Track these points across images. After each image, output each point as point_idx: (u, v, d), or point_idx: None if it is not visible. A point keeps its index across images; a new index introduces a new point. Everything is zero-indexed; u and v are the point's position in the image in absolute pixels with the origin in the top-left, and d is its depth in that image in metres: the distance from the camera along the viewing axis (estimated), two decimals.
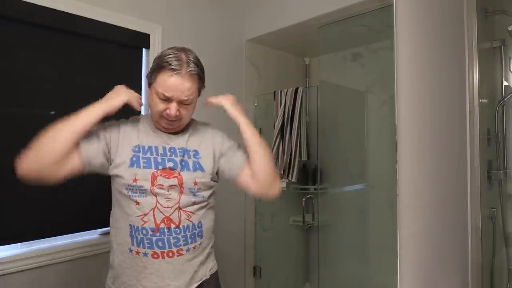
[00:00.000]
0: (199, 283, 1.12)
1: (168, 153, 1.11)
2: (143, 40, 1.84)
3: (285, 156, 2.25)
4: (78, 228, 1.61)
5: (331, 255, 2.18)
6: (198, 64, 1.09)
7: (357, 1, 1.76)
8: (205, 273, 1.15)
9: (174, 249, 1.05)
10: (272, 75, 2.55)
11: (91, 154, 1.05)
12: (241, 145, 1.21)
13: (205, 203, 1.14)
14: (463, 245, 1.63)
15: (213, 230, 1.20)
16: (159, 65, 1.05)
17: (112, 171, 1.07)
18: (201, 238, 1.12)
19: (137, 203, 1.05)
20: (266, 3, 2.25)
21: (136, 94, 1.13)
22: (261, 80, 2.47)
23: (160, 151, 1.10)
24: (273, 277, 2.45)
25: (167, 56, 1.05)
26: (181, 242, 1.06)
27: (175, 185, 1.07)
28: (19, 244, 1.46)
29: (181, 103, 1.07)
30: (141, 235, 1.04)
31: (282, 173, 2.28)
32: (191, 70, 1.05)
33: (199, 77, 1.10)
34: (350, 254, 2.13)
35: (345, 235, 2.17)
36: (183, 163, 1.10)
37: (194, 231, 1.09)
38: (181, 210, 1.07)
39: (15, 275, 1.41)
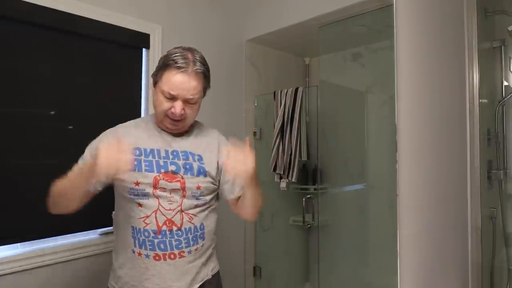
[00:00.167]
0: (201, 283, 1.12)
1: (171, 156, 1.10)
2: (143, 40, 1.84)
3: (285, 156, 2.25)
4: (78, 228, 1.61)
5: (331, 255, 2.18)
6: (204, 63, 1.09)
7: (357, 1, 1.76)
8: (207, 273, 1.15)
9: (176, 251, 1.05)
10: (272, 75, 2.55)
11: (100, 180, 1.07)
12: None
13: (207, 205, 1.14)
14: (463, 245, 1.63)
15: (215, 232, 1.20)
16: (165, 64, 1.06)
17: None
18: (203, 240, 1.12)
19: (140, 205, 1.05)
20: (266, 3, 2.25)
21: (124, 158, 0.90)
22: (261, 80, 2.47)
23: (163, 154, 1.10)
24: (273, 277, 2.45)
25: (173, 55, 1.05)
26: (183, 244, 1.06)
27: (177, 189, 1.07)
28: (19, 244, 1.46)
29: (186, 102, 1.06)
30: (143, 237, 1.04)
31: (282, 173, 2.28)
32: (197, 69, 1.05)
33: (205, 76, 1.10)
34: (350, 254, 2.13)
35: (345, 235, 2.17)
36: (187, 167, 1.09)
37: (196, 233, 1.09)
38: (183, 213, 1.07)
39: (15, 275, 1.41)
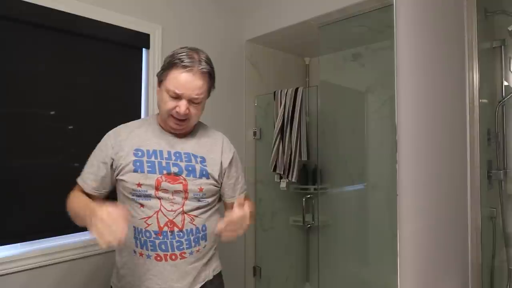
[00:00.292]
0: (202, 283, 1.12)
1: (173, 158, 1.10)
2: (143, 40, 1.84)
3: (285, 156, 2.25)
4: (78, 228, 1.60)
5: (331, 255, 2.18)
6: (209, 63, 1.10)
7: (357, 1, 1.76)
8: (208, 273, 1.15)
9: (177, 252, 1.06)
10: (272, 75, 2.55)
11: (107, 187, 1.13)
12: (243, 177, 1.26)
13: (209, 207, 1.14)
14: (463, 245, 1.63)
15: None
16: (171, 63, 1.06)
17: (118, 176, 1.09)
18: (205, 241, 1.11)
19: (142, 205, 1.05)
20: (266, 3, 2.25)
21: (120, 232, 0.85)
22: (261, 80, 2.47)
23: (165, 155, 1.09)
24: (273, 277, 2.45)
25: (179, 54, 1.06)
26: (184, 246, 1.06)
27: (180, 191, 1.07)
28: (19, 244, 1.46)
29: (191, 101, 1.07)
30: (145, 238, 1.04)
31: (282, 173, 2.28)
32: (202, 68, 1.06)
33: (210, 76, 1.10)
34: (350, 254, 2.13)
35: (345, 235, 2.17)
36: (189, 168, 1.09)
37: (198, 234, 1.09)
38: (184, 214, 1.07)
39: (15, 275, 1.41)
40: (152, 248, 1.04)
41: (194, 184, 1.08)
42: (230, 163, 1.19)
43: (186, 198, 1.07)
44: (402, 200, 1.18)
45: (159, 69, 1.12)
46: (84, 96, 1.65)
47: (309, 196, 2.40)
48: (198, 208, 1.09)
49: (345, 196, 2.22)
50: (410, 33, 1.28)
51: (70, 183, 1.57)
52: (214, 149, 1.17)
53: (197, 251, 1.09)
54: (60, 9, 1.54)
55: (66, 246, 1.55)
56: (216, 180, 1.14)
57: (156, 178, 1.05)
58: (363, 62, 2.13)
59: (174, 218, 1.05)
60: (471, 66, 1.67)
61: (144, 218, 1.04)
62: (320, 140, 2.22)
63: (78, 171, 1.60)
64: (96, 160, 1.11)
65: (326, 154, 2.23)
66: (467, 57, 1.67)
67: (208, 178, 1.11)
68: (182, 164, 1.09)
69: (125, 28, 1.76)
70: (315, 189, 2.42)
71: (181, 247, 1.06)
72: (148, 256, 1.05)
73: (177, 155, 1.10)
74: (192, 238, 1.07)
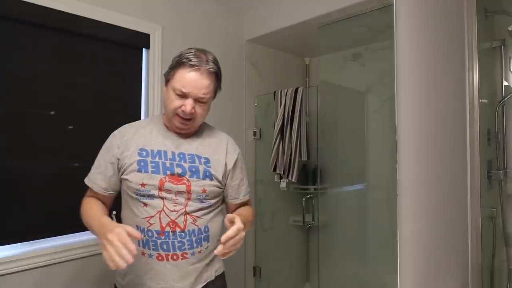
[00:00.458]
0: (204, 284, 1.12)
1: (177, 158, 1.10)
2: (143, 40, 1.84)
3: (285, 156, 2.25)
4: (78, 228, 1.61)
5: (331, 255, 2.18)
6: (216, 64, 1.11)
7: (357, 1, 1.76)
8: (210, 274, 1.15)
9: (179, 253, 1.06)
10: (272, 75, 2.55)
11: (116, 188, 1.13)
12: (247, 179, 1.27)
13: (212, 208, 1.14)
14: (463, 245, 1.63)
15: (221, 234, 1.20)
16: (179, 62, 1.07)
17: (122, 175, 1.09)
18: (207, 242, 1.11)
19: (145, 205, 1.06)
20: (266, 3, 2.25)
21: (129, 256, 0.85)
22: (261, 80, 2.47)
23: (169, 155, 1.10)
24: (273, 277, 2.45)
25: (187, 54, 1.07)
26: (186, 246, 1.06)
27: (183, 191, 1.07)
28: (19, 244, 1.46)
29: (197, 101, 1.07)
30: (147, 237, 1.05)
31: (282, 173, 2.28)
32: (209, 68, 1.07)
33: (217, 76, 1.11)
34: (350, 254, 2.13)
35: (345, 235, 2.17)
36: (192, 169, 1.10)
37: (200, 235, 1.09)
38: (187, 215, 1.07)
39: (15, 275, 1.41)
40: (154, 247, 1.05)
41: (197, 185, 1.09)
42: (235, 164, 1.19)
43: (189, 199, 1.07)
44: (402, 200, 1.18)
45: (167, 69, 1.13)
46: (84, 96, 1.65)
47: (309, 196, 2.40)
48: (201, 209, 1.09)
49: (345, 196, 2.22)
50: (410, 33, 1.28)
51: (70, 183, 1.57)
52: (219, 150, 1.17)
53: (199, 252, 1.09)
54: (60, 9, 1.54)
55: (66, 246, 1.55)
56: (219, 182, 1.14)
57: (160, 179, 1.06)
58: (363, 62, 2.13)
59: (176, 219, 1.05)
60: (471, 66, 1.67)
61: (147, 217, 1.05)
62: (320, 140, 2.22)
63: (78, 171, 1.60)
64: (103, 160, 1.12)
65: (326, 154, 2.23)
66: (467, 57, 1.67)
67: (211, 179, 1.12)
68: (186, 165, 1.09)
69: (125, 28, 1.76)
70: (315, 189, 2.42)
71: (182, 248, 1.06)
72: (150, 256, 1.05)
73: (181, 156, 1.11)
74: (194, 239, 1.07)
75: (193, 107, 1.06)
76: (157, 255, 1.05)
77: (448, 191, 1.53)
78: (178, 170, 1.08)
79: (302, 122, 2.23)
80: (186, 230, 1.06)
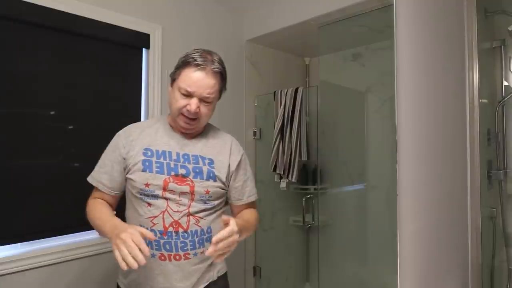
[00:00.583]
0: (206, 284, 1.12)
1: (182, 159, 1.10)
2: (143, 40, 1.84)
3: (285, 156, 2.25)
4: (78, 228, 1.61)
5: (331, 255, 2.18)
6: (222, 64, 1.12)
7: (357, 1, 1.76)
8: (212, 275, 1.15)
9: (181, 253, 1.06)
10: (272, 75, 2.55)
11: (122, 188, 1.13)
12: (252, 177, 1.26)
13: (215, 209, 1.14)
14: (463, 245, 1.63)
15: None
16: (185, 62, 1.08)
17: (127, 175, 1.10)
18: (210, 243, 1.11)
19: (149, 204, 1.06)
20: (266, 3, 2.25)
21: (142, 256, 0.85)
22: (261, 80, 2.47)
23: (174, 156, 1.10)
24: (273, 277, 2.45)
25: (193, 54, 1.08)
26: (188, 247, 1.07)
27: (186, 192, 1.07)
28: (19, 244, 1.46)
29: (202, 100, 1.08)
30: None
31: (282, 173, 2.28)
32: (215, 68, 1.08)
33: (222, 76, 1.12)
34: (350, 254, 2.13)
35: (345, 235, 2.17)
36: (196, 170, 1.10)
37: (203, 236, 1.09)
38: (190, 216, 1.07)
39: (15, 275, 1.41)
40: (157, 247, 1.05)
41: (201, 186, 1.09)
42: (238, 165, 1.19)
43: (192, 199, 1.08)
44: (402, 200, 1.18)
45: (173, 69, 1.14)
46: (84, 96, 1.65)
47: (309, 196, 2.40)
48: (204, 210, 1.10)
49: (345, 196, 2.22)
50: (410, 33, 1.28)
51: (70, 183, 1.57)
52: (223, 151, 1.18)
53: (202, 252, 1.09)
54: (60, 9, 1.54)
55: (66, 246, 1.55)
56: (223, 183, 1.15)
57: (164, 179, 1.06)
58: (363, 62, 2.13)
59: (179, 219, 1.06)
60: (471, 66, 1.67)
61: (151, 217, 1.05)
62: (320, 140, 2.22)
63: (78, 171, 1.61)
64: (109, 160, 1.12)
65: (326, 154, 2.23)
66: (467, 57, 1.67)
67: (215, 180, 1.12)
68: (190, 166, 1.10)
69: (125, 28, 1.76)
70: (315, 189, 2.42)
71: (185, 248, 1.06)
72: (153, 255, 1.05)
73: (185, 157, 1.11)
74: (196, 239, 1.08)
75: (198, 107, 1.07)
76: (160, 255, 1.05)
77: (448, 191, 1.52)
78: (182, 171, 1.08)
79: (302, 122, 2.23)
80: (189, 231, 1.06)
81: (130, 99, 1.81)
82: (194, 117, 1.09)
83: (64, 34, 1.58)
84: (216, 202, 1.14)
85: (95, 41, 1.67)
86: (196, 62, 1.06)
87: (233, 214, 1.23)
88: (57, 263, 1.52)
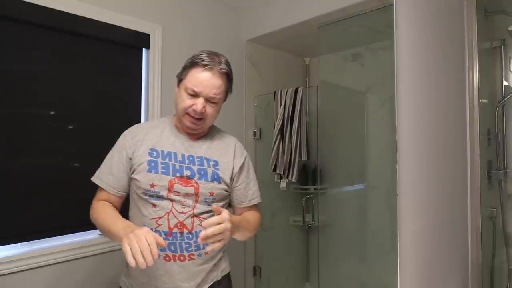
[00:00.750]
0: (210, 284, 1.13)
1: (187, 161, 1.11)
2: (143, 40, 1.84)
3: (285, 156, 2.25)
4: (78, 228, 1.61)
5: (331, 255, 2.18)
6: (229, 66, 1.13)
7: (357, 1, 1.76)
8: (217, 274, 1.15)
9: (186, 254, 1.06)
10: (272, 75, 2.55)
11: (127, 188, 1.13)
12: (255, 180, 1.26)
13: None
14: (463, 245, 1.63)
15: None
16: (192, 62, 1.09)
17: (132, 175, 1.10)
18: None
19: (154, 205, 1.06)
20: (266, 3, 2.25)
21: (151, 258, 0.86)
22: (261, 80, 2.47)
23: (179, 158, 1.11)
24: (273, 277, 2.45)
25: (201, 55, 1.09)
26: (193, 248, 1.07)
27: (191, 194, 1.08)
28: (19, 244, 1.46)
29: (208, 100, 1.09)
30: None
31: (282, 173, 2.28)
32: (222, 69, 1.09)
33: (228, 77, 1.13)
34: (350, 254, 2.13)
35: (345, 235, 2.17)
36: (201, 172, 1.10)
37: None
38: (194, 217, 1.08)
39: (15, 275, 1.41)
40: (161, 248, 1.05)
41: (206, 188, 1.09)
42: (241, 167, 1.20)
43: (196, 201, 1.08)
44: (402, 200, 1.18)
45: (180, 69, 1.14)
46: (84, 96, 1.65)
47: (309, 196, 2.40)
48: (208, 211, 1.10)
49: (345, 196, 2.22)
50: (410, 33, 1.28)
51: (70, 183, 1.57)
52: (227, 153, 1.18)
53: (206, 253, 1.10)
54: (60, 9, 1.54)
55: (66, 246, 1.55)
56: (227, 185, 1.15)
57: (169, 180, 1.07)
58: (363, 62, 2.13)
59: (184, 220, 1.06)
60: (471, 66, 1.67)
61: (155, 218, 1.06)
62: (320, 140, 2.22)
63: (78, 171, 1.61)
64: (115, 160, 1.12)
65: (326, 154, 2.23)
66: (467, 57, 1.67)
67: (219, 182, 1.13)
68: (195, 168, 1.10)
69: (125, 28, 1.76)
70: (315, 189, 2.42)
71: (189, 249, 1.06)
72: (158, 256, 1.05)
73: (191, 158, 1.12)
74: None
75: (204, 107, 1.08)
76: (165, 255, 1.05)
77: (448, 191, 1.52)
78: (187, 173, 1.09)
79: (302, 122, 2.23)
80: (193, 232, 1.07)
81: (130, 99, 1.81)
82: (200, 117, 1.09)
83: (64, 34, 1.58)
84: (220, 204, 1.14)
85: (95, 41, 1.67)
86: (204, 63, 1.07)
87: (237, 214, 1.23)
88: (57, 263, 1.52)
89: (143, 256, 0.83)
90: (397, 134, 1.18)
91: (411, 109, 1.27)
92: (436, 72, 1.46)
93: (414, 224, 1.26)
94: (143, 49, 1.87)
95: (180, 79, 1.13)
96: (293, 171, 2.24)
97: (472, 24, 1.66)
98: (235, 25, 2.33)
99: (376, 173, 2.04)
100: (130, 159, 1.10)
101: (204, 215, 1.09)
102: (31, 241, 1.49)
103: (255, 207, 1.25)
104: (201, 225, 1.08)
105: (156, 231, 1.05)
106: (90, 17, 1.63)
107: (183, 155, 1.11)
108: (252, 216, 1.20)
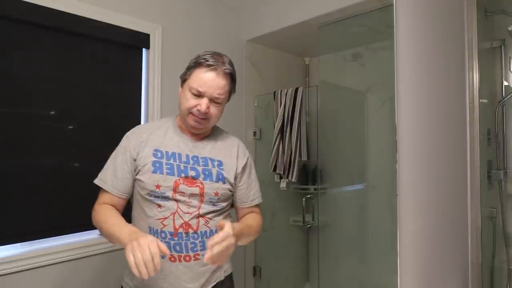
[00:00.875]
0: (213, 284, 1.13)
1: (191, 162, 1.11)
2: (143, 40, 1.84)
3: (285, 156, 2.25)
4: (78, 228, 1.61)
5: (331, 255, 2.18)
6: (232, 66, 1.13)
7: (357, 1, 1.76)
8: (220, 275, 1.16)
9: (191, 254, 1.06)
10: (272, 75, 2.55)
11: (131, 190, 1.12)
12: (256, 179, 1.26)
13: (223, 211, 1.15)
14: (463, 245, 1.63)
15: None
16: (196, 62, 1.09)
17: (137, 176, 1.09)
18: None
19: (159, 206, 1.06)
20: (266, 3, 2.25)
21: (154, 269, 0.85)
22: (261, 80, 2.47)
23: (184, 158, 1.11)
24: (273, 277, 2.45)
25: (205, 55, 1.10)
26: (198, 247, 1.07)
27: (196, 194, 1.08)
28: (19, 244, 1.46)
29: (212, 101, 1.09)
30: (160, 238, 1.05)
31: (282, 173, 2.28)
32: (226, 69, 1.09)
33: (232, 78, 1.13)
34: (350, 254, 2.13)
35: (345, 235, 2.17)
36: (206, 173, 1.11)
37: (212, 236, 1.09)
38: (200, 217, 1.08)
39: (15, 275, 1.41)
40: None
41: (211, 188, 1.10)
42: (244, 168, 1.20)
43: (201, 201, 1.08)
44: (402, 200, 1.18)
45: (184, 70, 1.14)
46: (84, 96, 1.65)
47: (309, 196, 2.40)
48: (213, 211, 1.11)
49: (345, 196, 2.22)
50: (410, 33, 1.28)
51: (70, 183, 1.57)
52: (231, 154, 1.19)
53: None
54: (60, 9, 1.54)
55: (66, 246, 1.55)
56: (231, 185, 1.16)
57: (175, 180, 1.07)
58: (363, 62, 2.13)
59: (189, 220, 1.06)
60: (471, 66, 1.67)
61: (161, 219, 1.05)
62: (320, 140, 2.22)
63: (78, 171, 1.61)
64: (119, 162, 1.11)
65: (326, 154, 2.23)
66: (467, 57, 1.67)
67: (224, 182, 1.13)
68: (199, 168, 1.11)
69: (125, 28, 1.76)
70: (315, 189, 2.42)
71: (195, 249, 1.06)
72: (162, 257, 1.05)
73: (195, 159, 1.12)
74: (206, 240, 1.08)
75: (208, 107, 1.08)
76: (170, 256, 1.05)
77: (448, 191, 1.52)
78: (192, 173, 1.09)
79: (302, 122, 2.23)
80: (198, 232, 1.07)
81: (130, 99, 1.81)
82: (204, 117, 1.09)
83: (64, 34, 1.58)
84: (224, 204, 1.15)
85: (95, 41, 1.67)
86: (208, 63, 1.07)
87: (238, 216, 1.24)
88: (57, 263, 1.52)
89: (146, 267, 0.82)
90: (397, 134, 1.18)
91: (411, 109, 1.27)
92: (436, 72, 1.46)
93: (414, 224, 1.26)
94: (143, 49, 1.87)
95: (184, 80, 1.13)
96: (293, 171, 2.24)
97: (472, 24, 1.66)
98: (235, 25, 2.33)
99: (376, 173, 2.04)
100: (135, 160, 1.10)
101: (209, 215, 1.10)
102: (31, 241, 1.49)
103: (256, 207, 1.26)
104: (206, 225, 1.08)
105: (161, 231, 1.05)
106: (90, 17, 1.63)
107: (187, 156, 1.12)
108: (253, 220, 1.19)
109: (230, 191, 1.16)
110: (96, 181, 1.11)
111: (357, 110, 2.18)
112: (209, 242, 0.91)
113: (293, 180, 2.25)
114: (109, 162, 1.13)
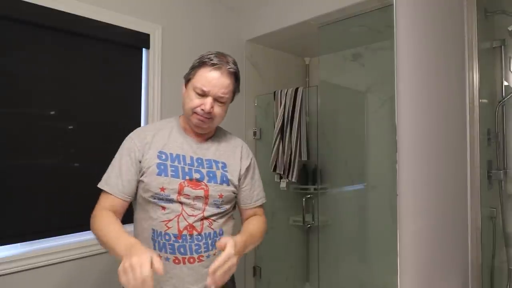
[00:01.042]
0: None
1: (195, 164, 1.11)
2: (143, 40, 1.84)
3: (285, 156, 2.25)
4: (78, 228, 1.61)
5: (331, 255, 2.18)
6: (236, 65, 1.13)
7: (357, 1, 1.76)
8: None
9: (195, 256, 1.06)
10: (272, 75, 2.55)
11: (134, 193, 1.10)
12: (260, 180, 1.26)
13: (226, 212, 1.15)
14: (463, 245, 1.63)
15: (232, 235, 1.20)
16: (201, 62, 1.09)
17: (141, 178, 1.08)
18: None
19: (163, 208, 1.05)
20: (266, 3, 2.25)
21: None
22: (261, 80, 2.47)
23: (188, 160, 1.10)
24: (273, 277, 2.45)
25: (209, 55, 1.09)
26: (202, 249, 1.07)
27: (201, 196, 1.08)
28: (19, 244, 1.46)
29: (216, 100, 1.09)
30: (164, 240, 1.05)
31: (282, 173, 2.28)
32: (230, 68, 1.09)
33: (236, 77, 1.13)
34: (350, 254, 2.13)
35: (345, 235, 2.17)
36: (210, 175, 1.10)
37: (215, 238, 1.09)
38: (204, 219, 1.08)
39: (15, 275, 1.41)
40: (171, 251, 1.04)
41: (215, 190, 1.09)
42: (247, 169, 1.20)
43: (206, 204, 1.08)
44: (402, 200, 1.18)
45: (188, 70, 1.14)
46: (84, 96, 1.65)
47: (309, 196, 2.40)
48: (217, 214, 1.11)
49: (345, 196, 2.22)
50: (410, 33, 1.28)
51: (70, 183, 1.57)
52: (234, 155, 1.19)
53: (214, 254, 1.09)
54: (60, 9, 1.54)
55: (66, 246, 1.55)
56: (235, 187, 1.15)
57: (179, 183, 1.06)
58: (363, 62, 2.13)
59: (193, 223, 1.06)
60: (471, 66, 1.67)
61: (165, 221, 1.05)
62: (320, 140, 2.22)
63: (78, 171, 1.61)
64: (124, 164, 1.09)
65: (326, 154, 2.23)
66: (467, 57, 1.67)
67: (228, 184, 1.13)
68: (204, 171, 1.10)
69: (125, 28, 1.76)
70: (315, 189, 2.42)
71: (199, 251, 1.06)
72: (167, 259, 1.05)
73: (199, 161, 1.12)
74: (209, 242, 1.08)
75: (212, 106, 1.08)
76: (174, 258, 1.05)
77: (448, 191, 1.52)
78: (196, 176, 1.08)
79: (302, 122, 2.23)
80: (202, 233, 1.07)
81: (130, 99, 1.81)
82: (208, 117, 1.09)
83: (64, 34, 1.58)
84: (227, 206, 1.15)
85: (95, 41, 1.67)
86: (212, 62, 1.07)
87: (242, 217, 1.24)
88: (57, 263, 1.52)
89: None
90: (397, 134, 1.18)
91: (411, 109, 1.27)
92: (436, 72, 1.46)
93: (414, 224, 1.26)
94: (143, 49, 1.87)
95: (188, 79, 1.12)
96: (293, 171, 2.24)
97: (472, 24, 1.66)
98: (235, 25, 2.33)
99: (376, 173, 2.04)
100: (140, 162, 1.09)
101: (214, 217, 1.09)
102: (31, 241, 1.49)
103: (260, 207, 1.26)
104: (210, 227, 1.08)
105: (165, 233, 1.04)
106: (90, 17, 1.63)
107: (191, 158, 1.11)
108: (256, 226, 1.19)
109: (234, 193, 1.16)
110: (100, 185, 1.09)
111: (357, 110, 2.18)
112: (211, 267, 0.90)
113: (293, 180, 2.25)
114: (112, 165, 1.10)
